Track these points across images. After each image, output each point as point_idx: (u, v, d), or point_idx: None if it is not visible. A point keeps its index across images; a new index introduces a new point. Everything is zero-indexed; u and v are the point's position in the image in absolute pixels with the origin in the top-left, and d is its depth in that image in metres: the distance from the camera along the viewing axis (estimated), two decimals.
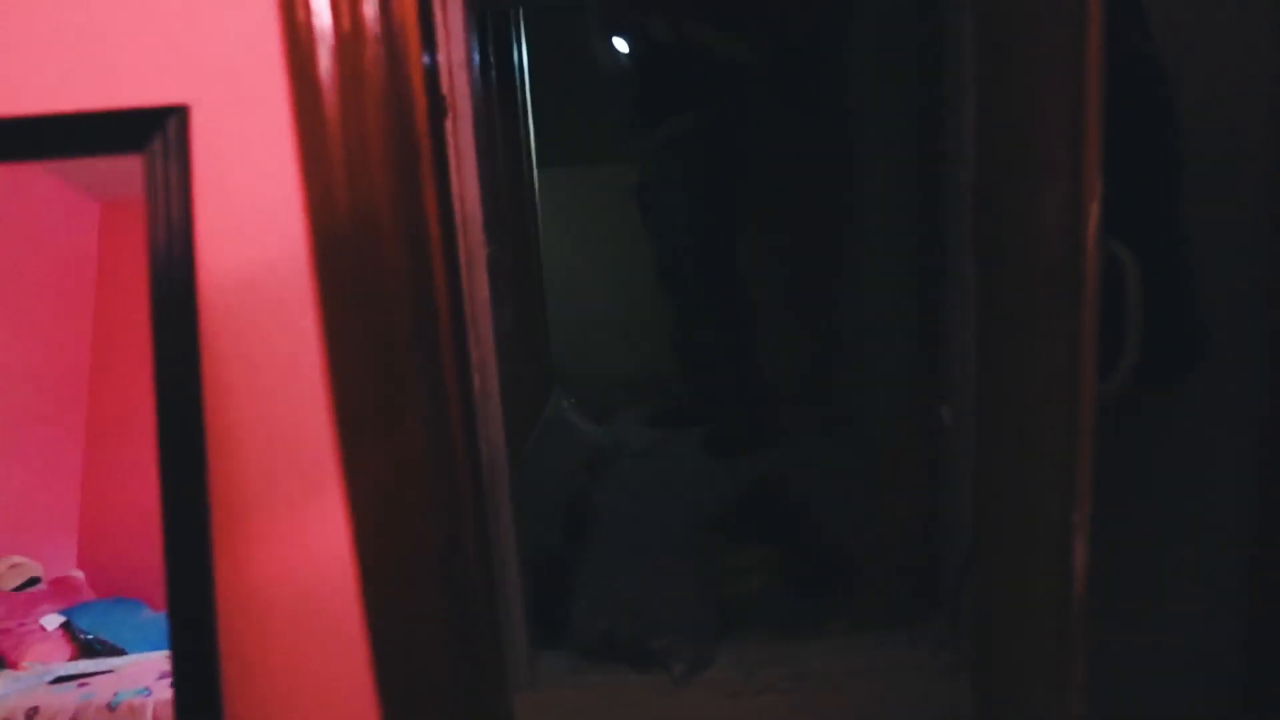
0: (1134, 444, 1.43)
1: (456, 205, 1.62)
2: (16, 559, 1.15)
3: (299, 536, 1.07)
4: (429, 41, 1.19)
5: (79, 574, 1.17)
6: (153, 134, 0.95)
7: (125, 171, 0.98)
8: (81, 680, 1.12)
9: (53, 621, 1.15)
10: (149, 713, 1.05)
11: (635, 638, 1.84)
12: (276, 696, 1.11)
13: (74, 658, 1.15)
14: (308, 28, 0.98)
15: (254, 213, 0.98)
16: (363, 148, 1.01)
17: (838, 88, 3.30)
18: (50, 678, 1.12)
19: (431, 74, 1.19)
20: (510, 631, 1.82)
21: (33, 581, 1.15)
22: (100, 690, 1.10)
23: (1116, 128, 0.81)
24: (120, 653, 1.14)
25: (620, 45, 3.12)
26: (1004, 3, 1.08)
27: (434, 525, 1.12)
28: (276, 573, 1.09)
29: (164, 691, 1.02)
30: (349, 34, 0.99)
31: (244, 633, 1.08)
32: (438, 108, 1.25)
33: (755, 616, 2.00)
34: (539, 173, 3.36)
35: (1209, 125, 1.24)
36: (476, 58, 1.67)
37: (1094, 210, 0.73)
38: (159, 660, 1.05)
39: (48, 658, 1.14)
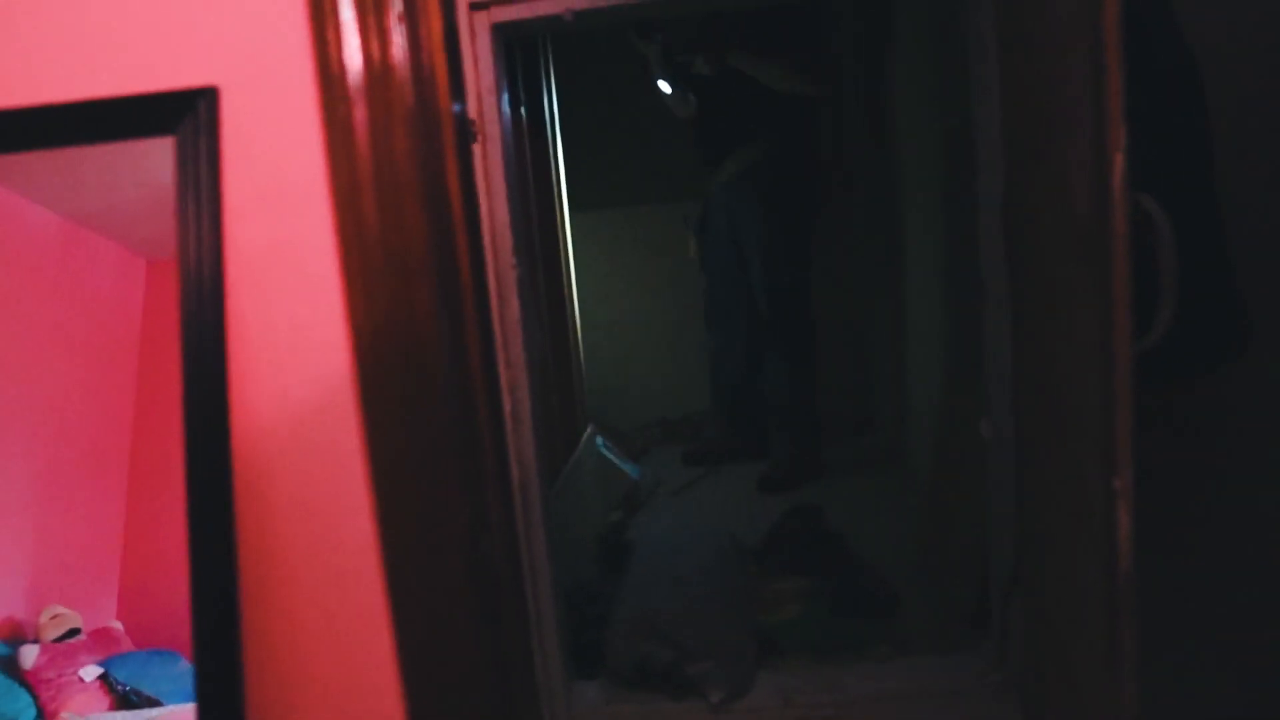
0: (1192, 445, 1.39)
1: (485, 226, 1.64)
2: (58, 609, 1.16)
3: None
4: (455, 69, 1.22)
5: (118, 625, 1.18)
6: (184, 115, 0.98)
7: (169, 233, 1.01)
8: None
9: (91, 673, 1.15)
10: None
11: (671, 665, 1.80)
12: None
13: (111, 709, 1.14)
14: (339, 58, 1.01)
15: (281, 189, 1.00)
16: (390, 165, 1.03)
17: (875, 111, 3.31)
18: None
19: (459, 100, 1.22)
20: (546, 660, 1.79)
21: (73, 632, 1.16)
22: None
23: (1143, 105, 0.80)
24: (157, 704, 1.14)
25: (668, 87, 3.13)
26: None
27: (458, 528, 1.11)
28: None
29: None
30: (378, 64, 1.01)
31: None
32: (465, 131, 1.27)
33: (794, 643, 1.96)
34: (571, 216, 3.40)
35: (1249, 106, 1.21)
36: (505, 86, 1.70)
37: (1119, 160, 0.72)
38: (193, 711, 1.05)
39: (85, 709, 1.14)
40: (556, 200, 3.22)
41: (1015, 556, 1.62)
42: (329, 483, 1.06)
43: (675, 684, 1.79)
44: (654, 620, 1.88)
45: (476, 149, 1.63)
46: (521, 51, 2.67)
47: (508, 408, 1.68)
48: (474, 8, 1.60)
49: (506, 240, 1.66)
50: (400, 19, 0.97)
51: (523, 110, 2.47)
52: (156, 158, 1.03)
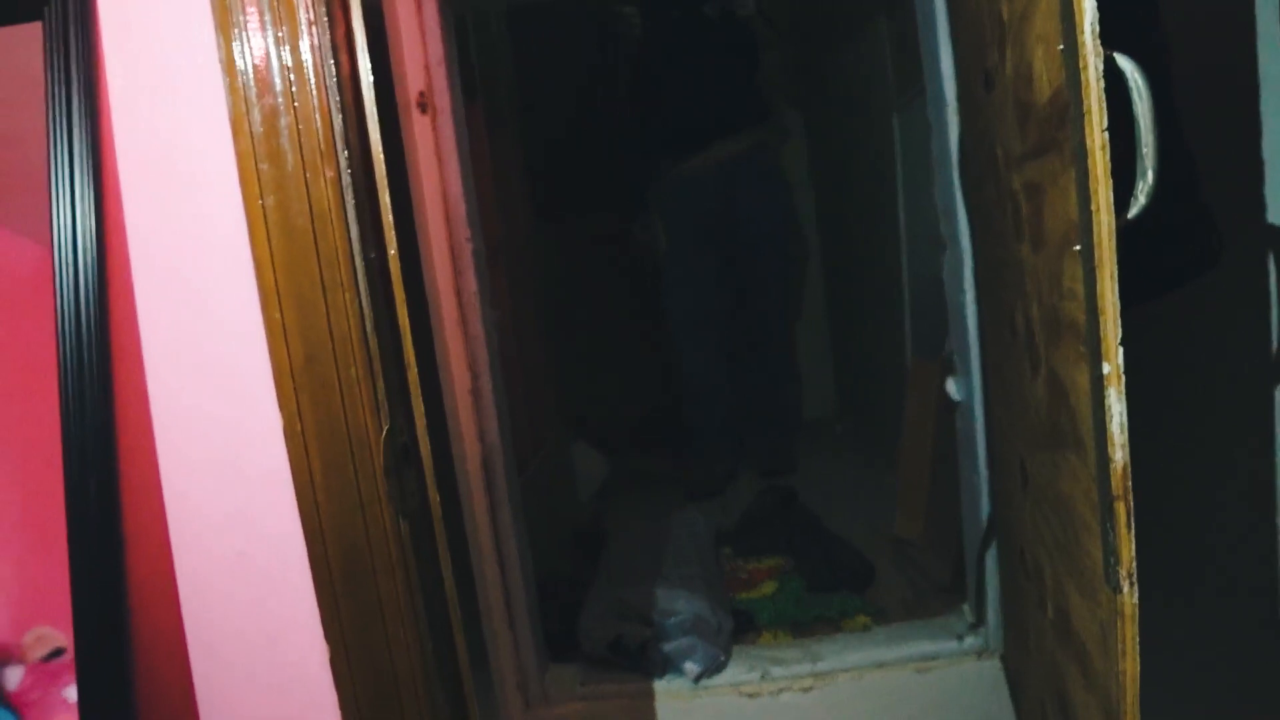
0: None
1: (437, 200, 1.61)
2: (43, 630, 1.13)
3: None
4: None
5: None
6: None
7: None
8: None
9: (75, 693, 1.10)
10: None
11: (646, 643, 1.77)
12: None
13: None
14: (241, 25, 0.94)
15: (169, 84, 0.90)
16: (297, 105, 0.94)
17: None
18: None
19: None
20: (519, 644, 1.76)
21: (58, 653, 1.13)
22: None
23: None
24: None
25: None
26: None
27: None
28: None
29: None
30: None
31: None
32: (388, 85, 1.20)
33: (771, 618, 1.93)
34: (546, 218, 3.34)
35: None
36: (456, 60, 1.68)
37: (1087, 6, 0.69)
38: None
39: None
40: (520, 188, 3.17)
41: (990, 513, 1.60)
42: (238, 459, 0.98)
43: (651, 661, 1.76)
44: (628, 600, 1.85)
45: (427, 120, 1.61)
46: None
47: (468, 384, 1.66)
48: None
49: (460, 212, 1.63)
50: None
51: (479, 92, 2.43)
52: None
